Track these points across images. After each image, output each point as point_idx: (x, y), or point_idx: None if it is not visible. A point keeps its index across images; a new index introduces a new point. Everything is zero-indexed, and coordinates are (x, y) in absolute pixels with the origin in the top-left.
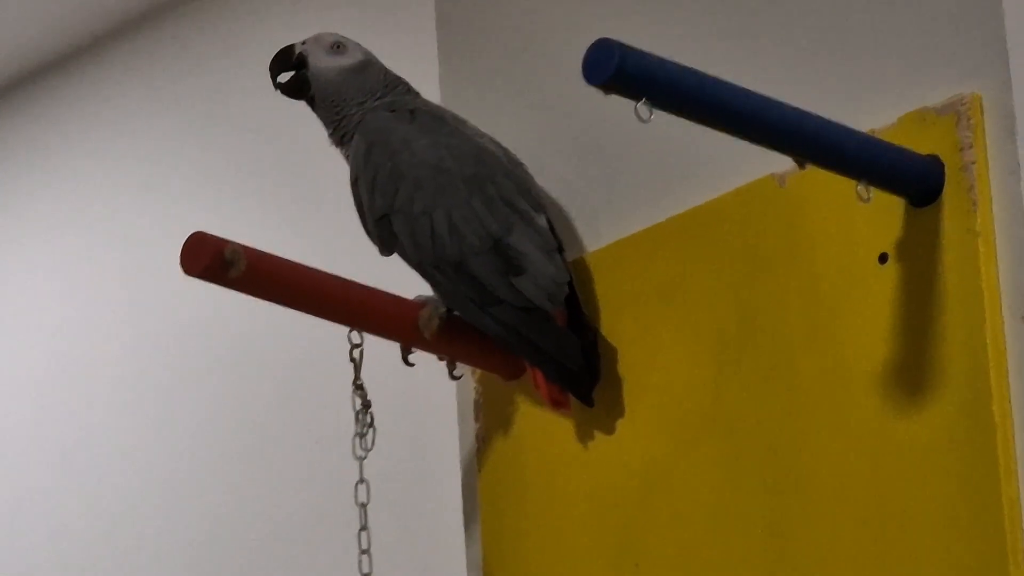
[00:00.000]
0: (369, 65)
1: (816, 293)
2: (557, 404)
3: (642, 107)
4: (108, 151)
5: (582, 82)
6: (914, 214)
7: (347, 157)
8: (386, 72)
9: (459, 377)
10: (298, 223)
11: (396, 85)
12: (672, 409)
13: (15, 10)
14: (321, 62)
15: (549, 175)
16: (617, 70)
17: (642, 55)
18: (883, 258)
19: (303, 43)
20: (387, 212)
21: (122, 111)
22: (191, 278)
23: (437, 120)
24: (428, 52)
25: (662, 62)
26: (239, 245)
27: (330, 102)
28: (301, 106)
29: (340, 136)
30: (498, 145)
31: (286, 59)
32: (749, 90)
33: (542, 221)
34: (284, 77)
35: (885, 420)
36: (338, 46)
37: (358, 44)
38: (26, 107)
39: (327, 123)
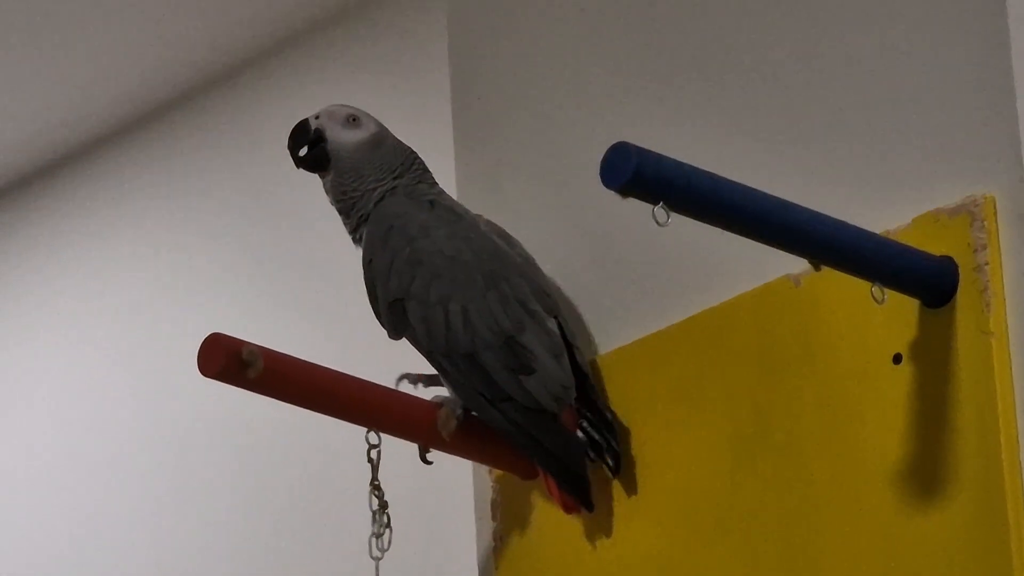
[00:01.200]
0: (384, 139)
1: (831, 393)
2: (569, 509)
3: (659, 210)
4: (122, 248)
5: (598, 182)
6: (928, 315)
7: (350, 229)
8: (401, 147)
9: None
10: (312, 314)
11: (411, 164)
12: (688, 508)
13: (25, 105)
14: (339, 136)
15: (565, 275)
16: (635, 174)
17: (659, 159)
18: (897, 358)
19: (316, 117)
20: (401, 297)
21: (136, 207)
22: (207, 379)
23: (455, 213)
24: (444, 148)
25: (679, 165)
26: (256, 346)
27: (347, 176)
28: (317, 203)
29: (349, 208)
30: (510, 241)
31: (303, 134)
32: (765, 193)
33: (552, 324)
34: (302, 151)
35: (899, 519)
36: (353, 119)
37: (369, 115)
38: (40, 202)
39: (339, 196)
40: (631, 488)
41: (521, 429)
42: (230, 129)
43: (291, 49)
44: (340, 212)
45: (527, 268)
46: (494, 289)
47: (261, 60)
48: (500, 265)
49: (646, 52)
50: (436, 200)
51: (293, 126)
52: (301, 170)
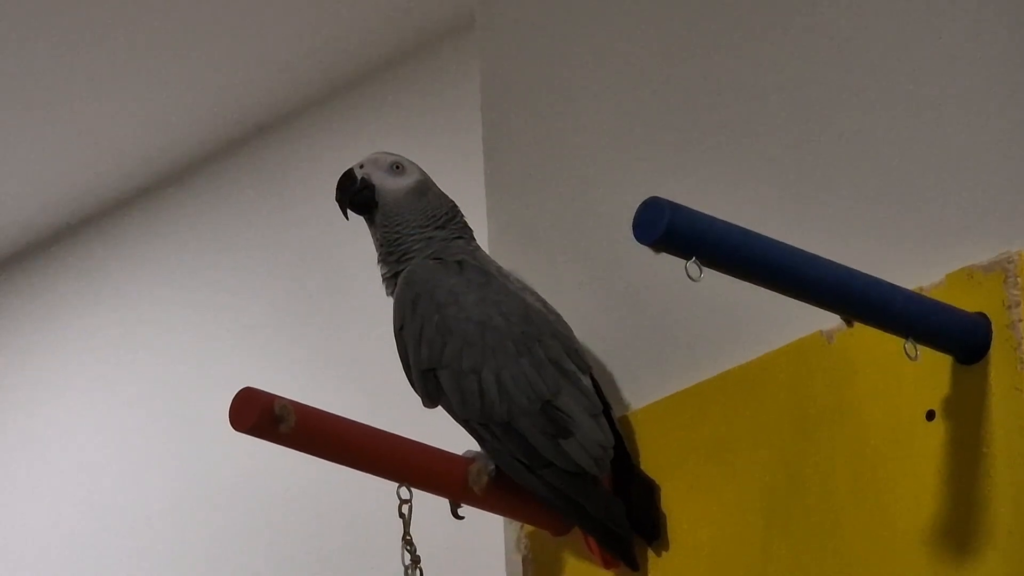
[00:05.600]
0: (428, 187)
1: (864, 450)
2: (609, 564)
3: (692, 266)
4: (154, 304)
5: (629, 237)
6: (961, 371)
7: (386, 275)
8: (444, 197)
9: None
10: (344, 369)
11: (454, 216)
12: (720, 565)
13: (59, 162)
14: (384, 182)
15: (597, 330)
16: (667, 229)
17: (692, 214)
18: (930, 415)
19: (361, 165)
20: (433, 366)
21: (167, 263)
22: (240, 433)
23: (484, 274)
24: (477, 204)
25: (712, 221)
26: (288, 401)
27: (392, 220)
28: (349, 258)
29: (390, 251)
30: (539, 299)
31: (350, 183)
32: (798, 248)
33: (587, 382)
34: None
35: None
36: (397, 166)
37: (413, 163)
38: (71, 260)
39: (383, 240)
40: (663, 545)
41: (561, 494)
42: (261, 184)
43: (321, 107)
44: (380, 255)
45: (559, 326)
46: (527, 353)
47: (289, 119)
48: (532, 327)
49: (679, 108)
50: (465, 260)
51: (339, 177)
52: (337, 225)
